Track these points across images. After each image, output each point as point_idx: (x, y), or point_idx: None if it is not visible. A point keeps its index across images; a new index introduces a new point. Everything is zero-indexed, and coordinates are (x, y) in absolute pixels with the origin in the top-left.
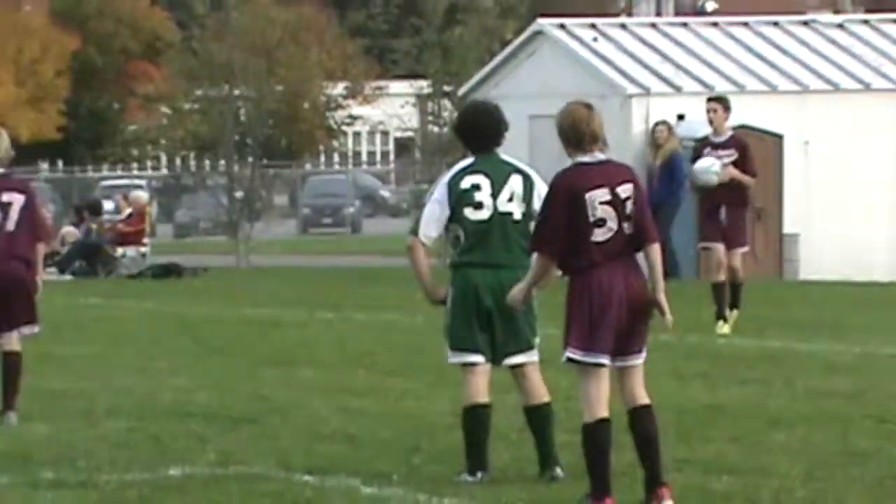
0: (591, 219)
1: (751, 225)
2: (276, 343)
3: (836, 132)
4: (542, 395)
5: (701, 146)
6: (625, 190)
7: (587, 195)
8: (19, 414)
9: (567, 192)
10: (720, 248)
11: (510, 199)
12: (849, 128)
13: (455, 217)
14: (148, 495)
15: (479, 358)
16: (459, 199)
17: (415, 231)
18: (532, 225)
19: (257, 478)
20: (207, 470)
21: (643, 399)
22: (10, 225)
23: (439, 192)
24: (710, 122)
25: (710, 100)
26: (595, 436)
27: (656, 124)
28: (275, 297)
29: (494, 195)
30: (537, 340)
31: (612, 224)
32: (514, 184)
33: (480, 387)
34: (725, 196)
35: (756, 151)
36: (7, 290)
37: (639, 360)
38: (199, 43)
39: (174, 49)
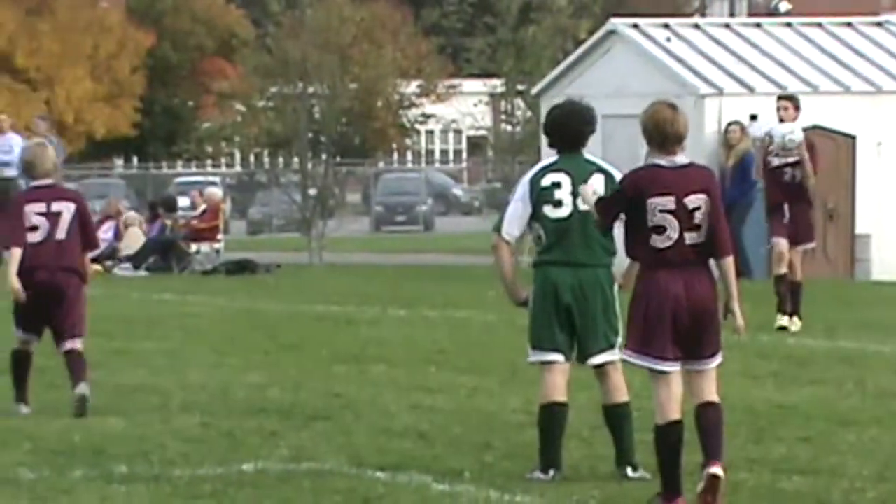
0: (650, 224)
1: (822, 225)
2: (348, 340)
3: None
4: (621, 394)
5: (768, 142)
6: (694, 200)
7: (649, 200)
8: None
9: (631, 192)
10: (782, 242)
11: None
12: None
13: (536, 215)
14: (220, 490)
15: (558, 357)
16: (540, 196)
17: (498, 229)
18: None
19: (329, 474)
20: (280, 466)
21: (712, 397)
22: (61, 234)
23: (521, 189)
24: (781, 119)
25: (780, 98)
26: (666, 437)
27: (729, 124)
28: (348, 295)
29: (575, 194)
30: (619, 340)
31: (673, 233)
32: (596, 183)
33: (558, 385)
34: (788, 194)
35: (829, 152)
36: (49, 300)
37: (710, 365)
38: (273, 40)
39: (249, 46)
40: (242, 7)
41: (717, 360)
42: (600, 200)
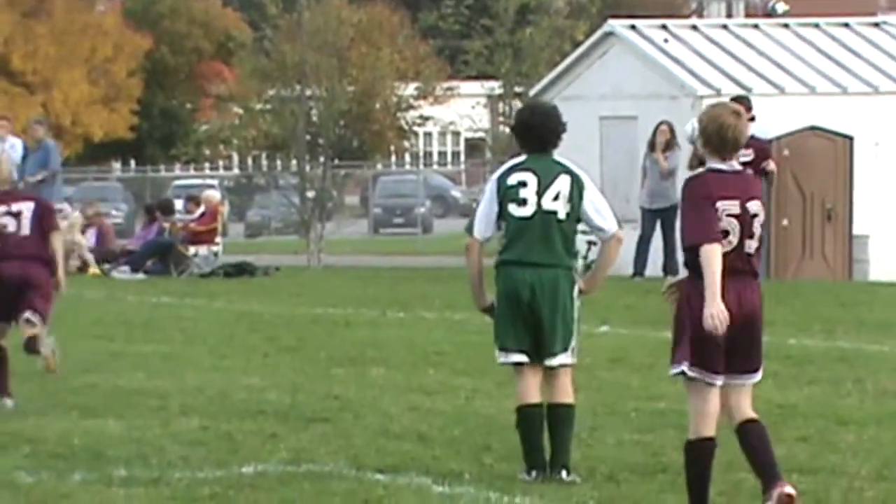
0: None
1: (820, 225)
2: (347, 342)
3: None
4: (567, 396)
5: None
6: (754, 206)
7: (718, 203)
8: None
9: (700, 197)
10: None
11: (556, 199)
12: None
13: (501, 212)
14: (220, 493)
15: (523, 358)
16: (506, 194)
17: (470, 230)
18: (577, 226)
19: (329, 476)
20: (279, 468)
21: (750, 413)
22: (25, 230)
23: (489, 189)
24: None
25: (733, 99)
26: (697, 454)
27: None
28: (346, 297)
29: (540, 193)
30: (573, 343)
31: (734, 238)
32: (562, 184)
33: (530, 387)
34: None
35: (827, 153)
36: (21, 286)
37: (753, 380)
38: (271, 43)
39: (246, 49)
40: (240, 10)
41: (759, 375)
42: (692, 224)
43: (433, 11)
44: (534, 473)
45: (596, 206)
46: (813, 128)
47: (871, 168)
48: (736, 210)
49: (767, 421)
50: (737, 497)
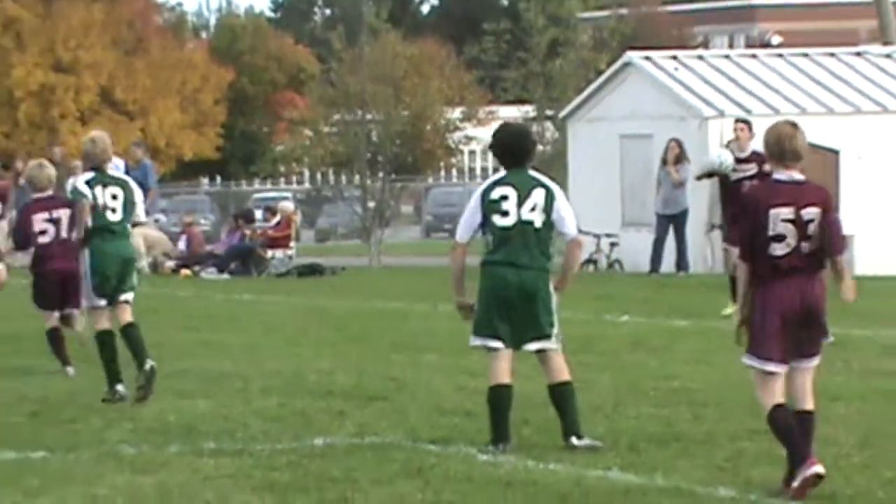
0: (771, 233)
1: None
2: (403, 331)
3: (886, 147)
4: (563, 374)
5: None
6: (810, 213)
7: (771, 211)
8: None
9: (755, 206)
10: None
11: (532, 210)
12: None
13: (486, 222)
14: (295, 462)
15: (498, 344)
16: (489, 207)
17: (457, 235)
18: (549, 234)
19: (388, 447)
20: (346, 440)
21: (808, 405)
22: (63, 233)
23: (474, 201)
24: (737, 139)
25: (737, 121)
26: (778, 421)
27: (729, 142)
28: (402, 293)
29: (519, 205)
30: (555, 330)
31: (791, 241)
32: (537, 196)
33: (502, 369)
34: None
35: (816, 165)
36: (63, 281)
37: (812, 363)
38: (336, 75)
39: (315, 80)
40: (309, 46)
41: (818, 359)
42: (738, 232)
43: (475, 46)
44: (500, 446)
45: (562, 215)
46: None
47: (855, 177)
48: (791, 216)
49: (755, 405)
50: (739, 461)
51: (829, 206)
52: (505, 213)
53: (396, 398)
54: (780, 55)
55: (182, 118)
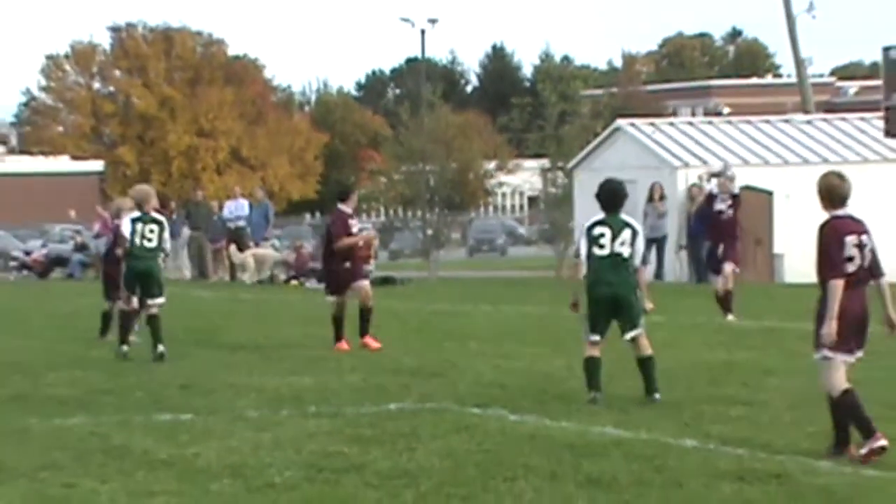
0: (846, 255)
1: (752, 248)
2: (453, 325)
3: (806, 190)
4: (646, 350)
5: (710, 197)
6: (866, 238)
7: (846, 238)
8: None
9: (834, 235)
10: (731, 266)
11: (622, 244)
12: (813, 186)
13: (588, 252)
14: (375, 422)
15: (598, 337)
16: (591, 241)
17: (577, 255)
18: (635, 261)
19: (442, 411)
20: (412, 406)
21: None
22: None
23: (582, 234)
24: (720, 186)
25: (712, 175)
26: (847, 401)
27: (691, 185)
28: (453, 297)
29: (612, 240)
30: (642, 321)
31: (858, 260)
32: (626, 235)
33: (596, 349)
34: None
35: (757, 203)
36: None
37: (859, 355)
38: (403, 137)
39: (388, 141)
40: (384, 116)
41: (861, 354)
42: (828, 260)
43: (506, 115)
44: (592, 394)
45: (639, 250)
46: (747, 186)
47: (784, 212)
48: (856, 241)
49: (721, 373)
50: (699, 420)
51: (870, 232)
52: (602, 246)
53: (448, 374)
54: (730, 122)
55: (290, 170)
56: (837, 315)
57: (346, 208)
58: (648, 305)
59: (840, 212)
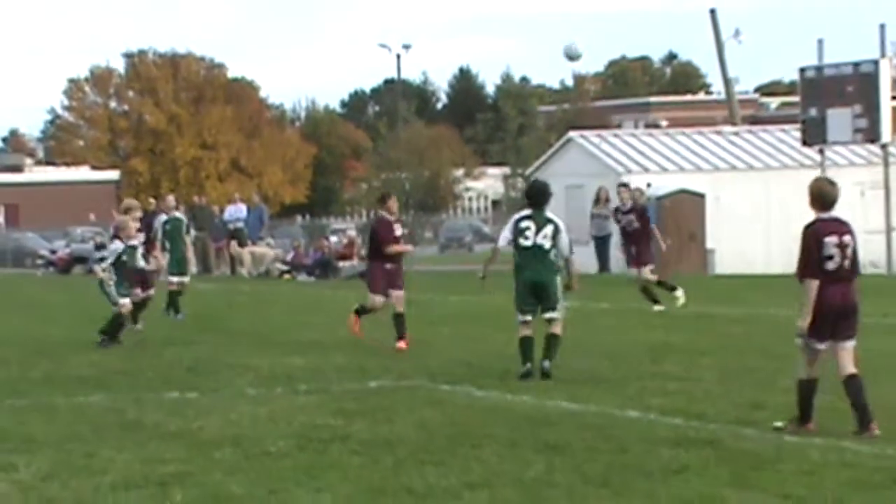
0: (825, 254)
1: (687, 243)
2: (428, 312)
3: (734, 192)
4: (556, 330)
5: (614, 212)
6: (847, 239)
7: (825, 239)
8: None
9: (814, 237)
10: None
11: (544, 237)
12: (740, 189)
13: (514, 242)
14: (357, 397)
15: (529, 317)
16: (516, 233)
17: (497, 241)
18: (553, 253)
19: (417, 387)
20: (390, 383)
21: (851, 370)
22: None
23: (509, 225)
24: (620, 197)
25: (620, 185)
26: (804, 388)
27: (633, 190)
28: (427, 287)
29: (536, 233)
30: (562, 307)
31: (838, 260)
32: (548, 229)
33: (528, 328)
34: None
35: (692, 204)
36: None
37: (850, 344)
38: (382, 148)
39: (368, 152)
40: (365, 130)
41: (854, 341)
42: (804, 261)
43: (471, 129)
44: (526, 367)
45: (563, 243)
46: (683, 190)
47: (715, 212)
48: (836, 241)
49: (660, 353)
50: (641, 396)
51: (853, 233)
52: (526, 238)
53: (422, 355)
54: (667, 134)
55: (283, 177)
56: (816, 307)
57: (387, 214)
58: (575, 286)
59: (825, 214)
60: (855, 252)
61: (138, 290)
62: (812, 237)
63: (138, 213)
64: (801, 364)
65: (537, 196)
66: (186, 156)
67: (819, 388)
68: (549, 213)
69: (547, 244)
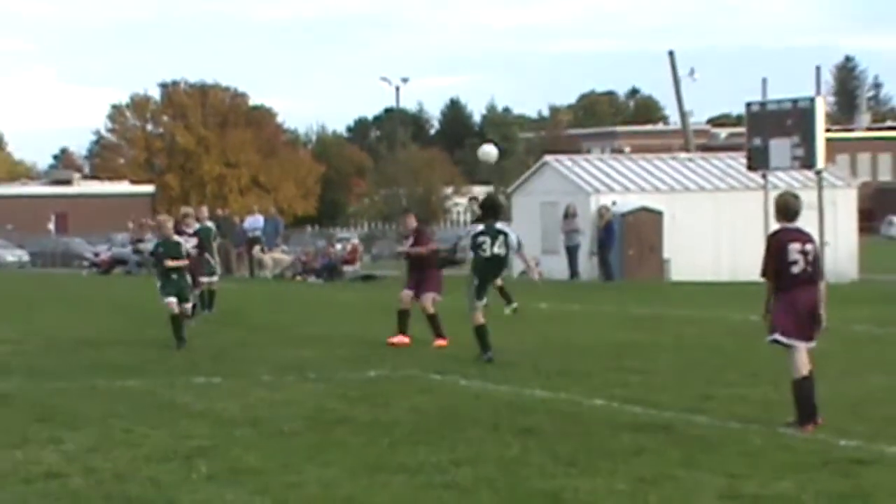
0: (790, 260)
1: (647, 254)
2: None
3: (689, 210)
4: (479, 319)
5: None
6: (808, 246)
7: (789, 246)
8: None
9: (778, 244)
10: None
11: (500, 247)
12: (695, 208)
13: (474, 253)
14: (359, 384)
15: (483, 303)
16: (476, 246)
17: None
18: (506, 259)
19: (410, 378)
20: (387, 372)
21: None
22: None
23: (468, 240)
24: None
25: (470, 198)
26: (803, 387)
27: (601, 207)
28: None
29: (492, 245)
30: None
31: (801, 264)
32: (500, 239)
33: (483, 316)
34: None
35: (651, 221)
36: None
37: (812, 345)
38: (382, 167)
39: (370, 171)
40: (367, 151)
41: (814, 343)
42: (766, 263)
43: (460, 151)
44: (489, 353)
45: (512, 244)
46: (643, 208)
47: (671, 227)
48: (799, 248)
49: (623, 349)
50: (607, 387)
51: (815, 242)
52: (484, 250)
53: (415, 348)
54: (630, 158)
55: (296, 192)
56: (791, 308)
57: (423, 226)
58: (534, 274)
59: (790, 225)
60: (816, 258)
61: (203, 278)
62: (777, 244)
63: (191, 220)
64: (792, 365)
65: (491, 207)
66: (213, 173)
67: (765, 379)
68: (499, 225)
69: (503, 252)
